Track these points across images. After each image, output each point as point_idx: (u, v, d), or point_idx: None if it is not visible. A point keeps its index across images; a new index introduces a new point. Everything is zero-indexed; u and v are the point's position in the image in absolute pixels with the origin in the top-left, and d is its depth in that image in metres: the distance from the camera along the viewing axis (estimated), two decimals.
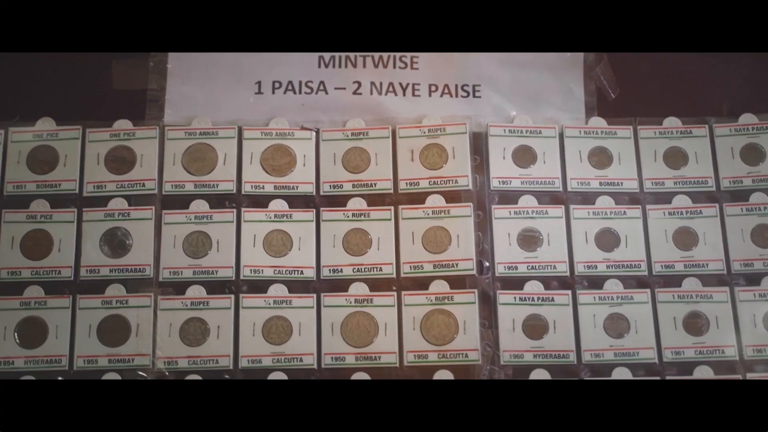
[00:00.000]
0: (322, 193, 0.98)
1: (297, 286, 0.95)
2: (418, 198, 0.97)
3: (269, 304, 0.94)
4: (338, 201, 0.98)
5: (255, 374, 0.92)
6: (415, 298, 0.94)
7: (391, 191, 0.98)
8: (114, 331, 0.92)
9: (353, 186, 0.98)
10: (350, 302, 0.94)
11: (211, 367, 0.92)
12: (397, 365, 0.93)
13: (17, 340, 0.92)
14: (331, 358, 0.92)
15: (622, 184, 0.99)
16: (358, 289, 0.95)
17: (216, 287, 0.94)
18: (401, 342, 0.93)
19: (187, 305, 0.93)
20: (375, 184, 0.98)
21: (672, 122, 1.01)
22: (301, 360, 0.92)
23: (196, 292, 0.94)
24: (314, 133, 1.00)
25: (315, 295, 0.94)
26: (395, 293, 0.95)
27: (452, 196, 0.97)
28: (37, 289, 0.93)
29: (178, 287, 0.94)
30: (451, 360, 0.93)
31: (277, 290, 0.94)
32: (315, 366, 0.92)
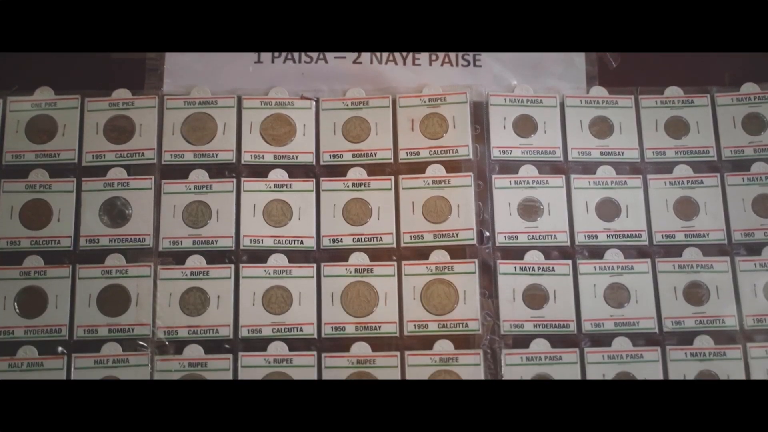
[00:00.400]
0: (322, 162, 0.95)
1: (297, 255, 0.93)
2: (418, 167, 0.95)
3: (269, 273, 0.92)
4: (338, 171, 0.95)
5: (255, 344, 0.90)
6: (416, 268, 0.92)
7: (392, 161, 0.95)
8: (114, 300, 0.91)
9: (353, 155, 0.95)
10: (350, 272, 0.92)
11: (211, 336, 0.90)
12: (398, 335, 0.91)
13: (17, 310, 0.90)
14: (331, 327, 0.91)
15: (623, 153, 0.97)
16: (358, 258, 0.93)
17: (216, 257, 0.92)
18: (401, 312, 0.91)
19: (186, 275, 0.91)
20: (375, 154, 0.95)
21: (673, 92, 0.99)
22: (301, 330, 0.90)
23: (195, 261, 0.92)
24: (314, 103, 0.97)
25: (315, 265, 0.92)
26: (395, 263, 0.93)
27: (452, 166, 0.95)
28: (36, 258, 0.91)
29: (178, 257, 0.92)
30: (452, 330, 0.91)
31: (277, 260, 0.92)
32: (315, 336, 0.90)
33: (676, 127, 0.98)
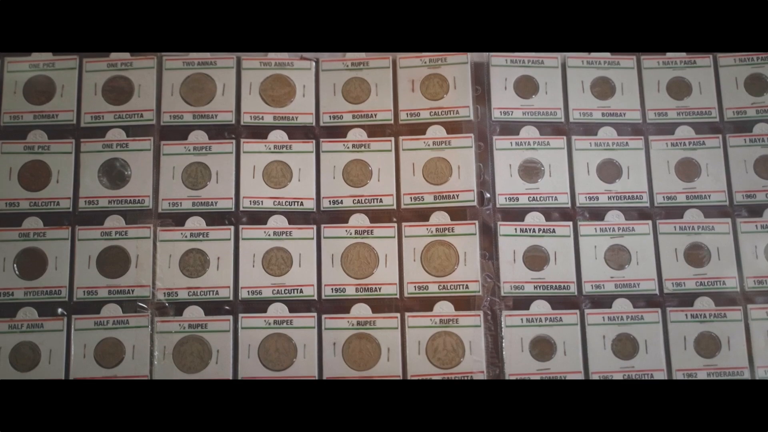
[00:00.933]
0: (321, 123, 0.92)
1: (297, 217, 0.90)
2: (418, 129, 0.92)
3: (269, 235, 0.89)
4: (338, 132, 0.92)
5: (255, 305, 0.87)
6: (416, 230, 0.90)
7: (392, 122, 0.92)
8: (113, 262, 0.88)
9: (353, 117, 0.92)
10: (350, 233, 0.89)
11: (211, 298, 0.87)
12: (398, 296, 0.88)
13: (17, 272, 0.87)
14: (332, 289, 0.88)
15: (624, 114, 0.93)
16: (359, 220, 0.90)
17: (215, 218, 0.89)
18: (401, 273, 0.89)
19: (186, 236, 0.89)
20: (375, 115, 0.92)
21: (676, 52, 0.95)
22: (301, 291, 0.88)
23: (195, 223, 0.89)
24: (314, 63, 0.94)
25: (315, 227, 0.89)
26: (396, 224, 0.90)
27: (453, 127, 0.92)
28: (35, 220, 0.89)
29: (178, 218, 0.89)
30: (452, 291, 0.88)
31: (277, 221, 0.89)
32: (315, 297, 0.88)
33: (678, 88, 0.94)
